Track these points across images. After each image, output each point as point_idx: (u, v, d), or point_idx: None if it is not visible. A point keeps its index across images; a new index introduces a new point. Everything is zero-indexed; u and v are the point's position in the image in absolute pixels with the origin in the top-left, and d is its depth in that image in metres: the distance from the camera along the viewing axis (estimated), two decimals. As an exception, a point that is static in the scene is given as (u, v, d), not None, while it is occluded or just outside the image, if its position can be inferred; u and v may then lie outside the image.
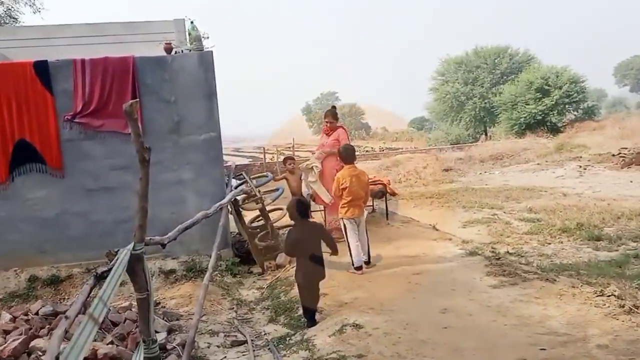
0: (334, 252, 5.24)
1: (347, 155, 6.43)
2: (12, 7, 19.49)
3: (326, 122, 7.91)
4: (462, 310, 4.70)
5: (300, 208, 5.00)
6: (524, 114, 30.28)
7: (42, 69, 6.74)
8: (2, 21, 19.06)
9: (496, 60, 37.43)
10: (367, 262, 6.31)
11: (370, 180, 7.04)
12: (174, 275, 6.86)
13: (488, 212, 9.89)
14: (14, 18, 19.57)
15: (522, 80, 31.77)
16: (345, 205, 6.23)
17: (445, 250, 6.84)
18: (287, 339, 4.61)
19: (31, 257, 6.94)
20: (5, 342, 4.24)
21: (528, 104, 30.19)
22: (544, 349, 3.75)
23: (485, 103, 35.94)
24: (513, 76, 35.33)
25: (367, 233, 6.44)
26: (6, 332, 4.58)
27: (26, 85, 6.72)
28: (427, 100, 42.42)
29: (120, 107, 6.72)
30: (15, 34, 11.09)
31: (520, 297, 4.90)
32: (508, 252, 6.77)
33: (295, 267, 5.20)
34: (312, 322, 4.87)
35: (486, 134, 36.10)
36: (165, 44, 7.29)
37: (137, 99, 2.92)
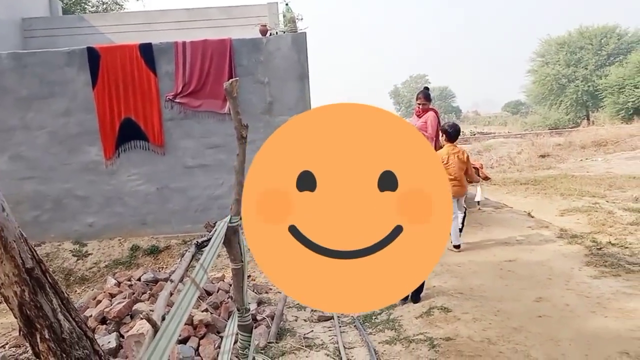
0: None
1: (452, 133, 6.30)
2: (117, -6, 20.77)
3: (418, 103, 7.75)
4: (558, 300, 4.49)
5: None
6: (632, 97, 28.10)
7: (146, 51, 7.13)
8: (109, 8, 20.35)
9: (602, 41, 34.98)
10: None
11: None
12: (264, 251, 7.07)
13: (589, 201, 9.31)
14: (119, 5, 20.85)
15: (632, 62, 29.45)
16: None
17: (541, 238, 6.55)
18: (373, 317, 4.63)
19: (134, 228, 7.44)
20: (111, 305, 4.60)
21: (637, 87, 27.94)
22: (650, 345, 3.51)
23: (589, 86, 33.77)
24: (621, 57, 32.84)
25: (465, 211, 6.42)
26: (112, 295, 4.97)
27: (132, 67, 7.13)
28: (524, 83, 40.52)
29: (217, 88, 7.09)
30: (120, 20, 11.83)
31: (623, 289, 4.61)
32: (610, 242, 6.35)
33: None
34: (415, 298, 4.77)
35: (588, 119, 33.91)
36: (261, 26, 7.46)
37: (237, 78, 3.02)
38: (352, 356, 3.87)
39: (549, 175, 13.24)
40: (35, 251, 2.45)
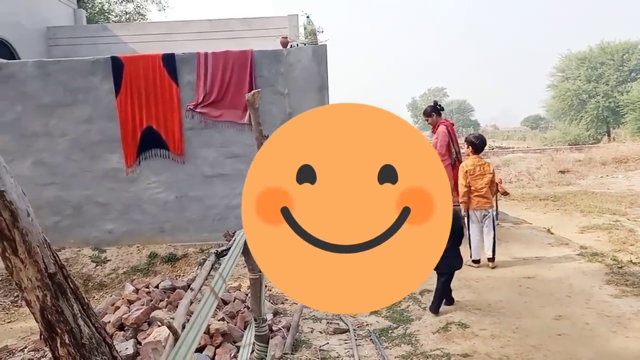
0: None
1: (478, 144, 6.23)
2: (140, 4, 21.13)
3: (425, 119, 7.80)
4: (578, 318, 4.42)
5: None
6: (654, 114, 27.68)
7: (169, 61, 7.22)
8: (132, 18, 20.71)
9: (624, 57, 34.54)
10: (492, 259, 6.17)
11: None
12: (280, 262, 7.06)
13: (609, 218, 9.17)
14: (141, 15, 21.21)
15: (655, 78, 29.03)
16: (472, 196, 6.11)
17: (561, 256, 6.47)
18: (389, 331, 4.59)
19: (152, 236, 7.50)
20: (129, 311, 4.63)
21: (660, 104, 27.54)
22: (673, 367, 3.43)
23: (610, 102, 33.32)
24: (644, 73, 32.45)
25: (494, 229, 6.23)
26: (130, 302, 5.00)
27: (155, 76, 7.22)
28: (544, 98, 40.17)
29: (238, 99, 7.14)
30: (143, 30, 12.04)
31: (645, 309, 4.51)
32: (631, 261, 6.24)
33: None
34: (436, 310, 4.80)
35: (609, 135, 33.41)
36: (282, 38, 7.51)
37: (259, 90, 3.06)
38: (368, 370, 3.83)
39: (568, 192, 13.07)
40: (58, 256, 2.48)
